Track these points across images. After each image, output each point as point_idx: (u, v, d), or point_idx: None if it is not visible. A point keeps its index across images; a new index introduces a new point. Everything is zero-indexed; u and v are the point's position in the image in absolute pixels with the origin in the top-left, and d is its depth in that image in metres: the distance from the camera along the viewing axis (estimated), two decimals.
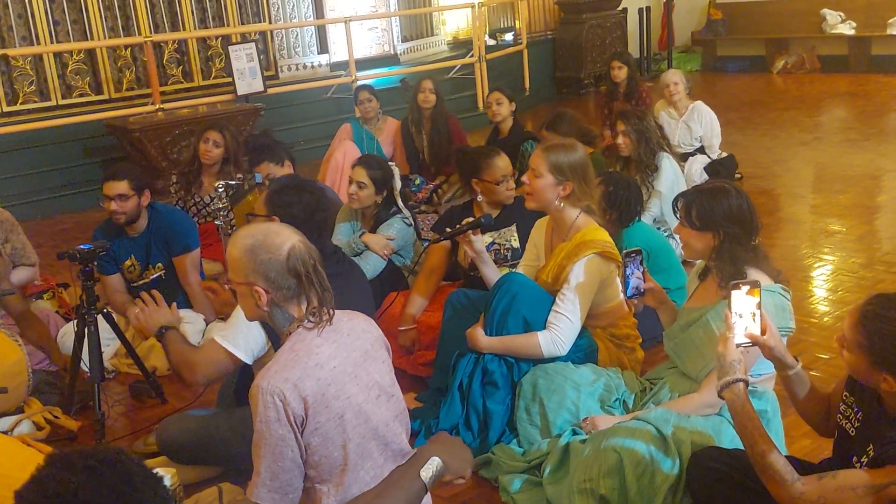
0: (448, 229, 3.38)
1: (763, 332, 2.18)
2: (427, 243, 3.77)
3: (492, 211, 3.69)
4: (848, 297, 4.17)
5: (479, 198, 3.73)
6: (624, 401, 2.89)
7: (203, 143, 4.89)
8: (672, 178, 4.66)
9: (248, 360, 2.65)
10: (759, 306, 2.18)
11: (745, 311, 2.18)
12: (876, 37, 10.84)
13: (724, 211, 2.50)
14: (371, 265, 3.79)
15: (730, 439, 2.54)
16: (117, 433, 3.42)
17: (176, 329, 2.77)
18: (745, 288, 2.17)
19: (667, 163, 4.68)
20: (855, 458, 2.01)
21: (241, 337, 2.61)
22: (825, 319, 3.95)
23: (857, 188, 6.08)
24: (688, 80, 6.16)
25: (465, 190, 5.51)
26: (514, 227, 3.71)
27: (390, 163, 4.38)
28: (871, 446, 1.95)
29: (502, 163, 3.64)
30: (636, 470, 2.42)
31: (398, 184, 4.09)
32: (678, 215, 2.62)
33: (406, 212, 4.07)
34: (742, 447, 2.48)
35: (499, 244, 3.69)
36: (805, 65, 11.33)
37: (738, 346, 2.16)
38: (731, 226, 2.50)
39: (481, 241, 3.34)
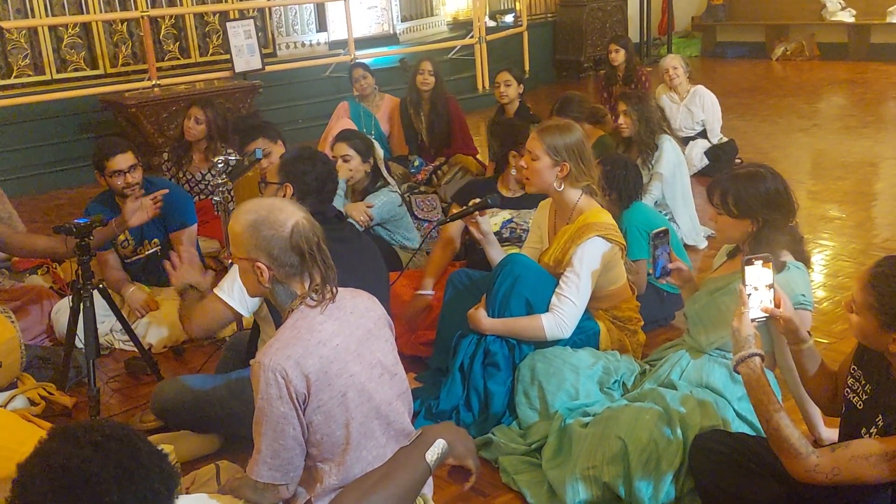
0: (454, 210, 3.36)
1: (777, 306, 2.18)
2: (427, 223, 3.75)
3: (516, 189, 3.69)
4: (847, 282, 4.16)
5: (514, 171, 3.69)
6: (623, 382, 2.89)
7: (187, 119, 4.96)
8: (674, 161, 4.61)
9: (244, 312, 2.72)
10: (772, 280, 2.18)
11: (760, 285, 2.18)
12: (875, 25, 10.81)
13: (762, 196, 2.46)
14: None
15: (736, 426, 2.54)
16: (112, 410, 3.39)
17: (197, 290, 2.86)
18: (759, 262, 2.17)
19: (668, 145, 4.63)
20: (864, 430, 2.02)
21: (237, 287, 2.62)
22: (824, 304, 3.95)
23: (856, 175, 6.07)
24: (687, 64, 6.13)
25: (465, 171, 5.56)
26: (533, 210, 3.68)
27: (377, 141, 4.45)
28: (880, 417, 1.97)
29: None
30: (641, 457, 2.41)
31: (380, 152, 4.14)
32: (713, 202, 2.56)
33: (393, 183, 4.11)
34: (745, 430, 2.49)
35: (516, 223, 3.68)
36: (804, 52, 11.29)
37: (753, 320, 2.17)
38: (769, 212, 2.46)
39: (488, 222, 3.31)
